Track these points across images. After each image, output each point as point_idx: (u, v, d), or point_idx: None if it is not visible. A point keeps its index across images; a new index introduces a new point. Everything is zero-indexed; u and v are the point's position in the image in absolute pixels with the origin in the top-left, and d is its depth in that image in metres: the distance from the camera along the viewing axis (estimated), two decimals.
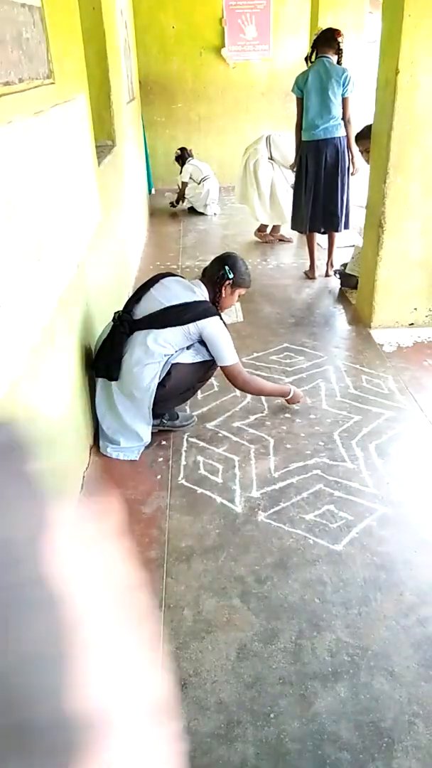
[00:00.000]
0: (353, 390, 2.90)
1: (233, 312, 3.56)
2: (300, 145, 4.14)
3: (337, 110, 3.89)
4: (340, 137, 3.97)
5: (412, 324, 3.56)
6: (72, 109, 2.37)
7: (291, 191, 4.58)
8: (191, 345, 2.42)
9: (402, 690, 1.50)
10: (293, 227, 4.50)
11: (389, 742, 1.39)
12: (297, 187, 4.26)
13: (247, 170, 5.09)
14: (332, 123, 3.92)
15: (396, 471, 2.31)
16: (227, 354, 2.42)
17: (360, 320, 3.67)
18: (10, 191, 1.52)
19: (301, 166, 4.16)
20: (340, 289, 4.18)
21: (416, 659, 1.58)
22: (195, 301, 2.39)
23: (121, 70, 4.40)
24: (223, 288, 2.48)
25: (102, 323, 2.64)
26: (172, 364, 2.37)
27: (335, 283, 4.29)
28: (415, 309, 3.52)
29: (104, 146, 3.71)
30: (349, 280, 4.05)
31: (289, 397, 2.68)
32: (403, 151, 3.08)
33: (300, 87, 3.99)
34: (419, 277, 3.42)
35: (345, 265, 4.17)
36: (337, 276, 4.27)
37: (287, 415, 2.70)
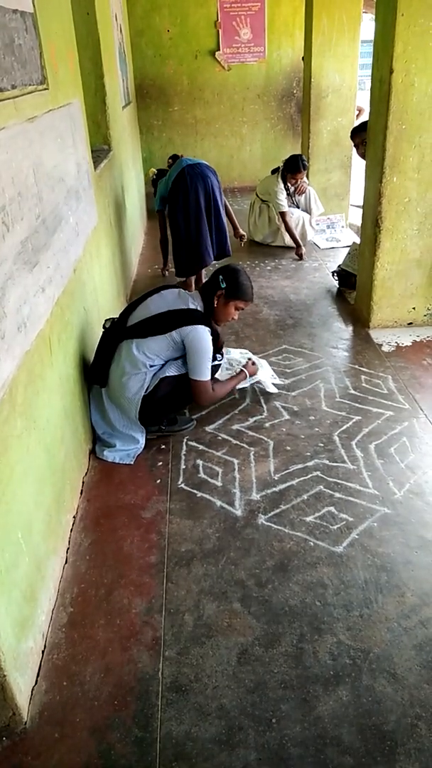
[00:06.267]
0: (352, 390, 2.89)
1: (264, 383, 2.85)
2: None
3: None
4: None
5: (410, 323, 3.55)
6: (67, 114, 2.37)
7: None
8: (181, 356, 2.38)
9: (404, 692, 1.49)
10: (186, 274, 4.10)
11: (392, 745, 1.38)
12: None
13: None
14: None
15: (396, 471, 2.31)
16: (201, 368, 2.34)
17: (359, 320, 3.67)
18: (4, 197, 1.52)
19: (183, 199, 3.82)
20: (339, 289, 4.18)
21: (418, 661, 1.57)
22: (183, 309, 2.35)
23: (116, 74, 4.40)
24: (216, 298, 2.41)
25: (99, 328, 2.64)
26: (161, 378, 2.35)
27: (333, 283, 4.29)
28: (414, 308, 3.51)
29: (100, 151, 3.71)
30: (347, 280, 4.05)
31: (246, 375, 2.71)
32: (398, 150, 3.07)
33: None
34: (417, 276, 3.41)
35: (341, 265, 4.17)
36: (335, 276, 4.26)
37: (286, 416, 2.69)
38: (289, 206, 5.09)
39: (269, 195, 5.03)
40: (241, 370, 2.70)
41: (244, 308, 2.51)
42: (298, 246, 4.96)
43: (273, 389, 2.87)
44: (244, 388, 2.93)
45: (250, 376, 2.74)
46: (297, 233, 5.01)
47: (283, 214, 4.97)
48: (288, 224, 4.99)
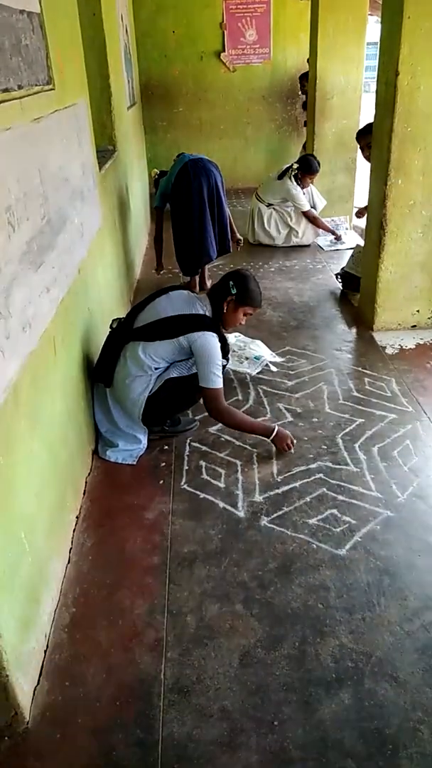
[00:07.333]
0: (356, 393, 2.89)
1: (256, 359, 3.11)
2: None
3: None
4: None
5: (414, 326, 3.55)
6: (72, 114, 2.38)
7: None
8: (187, 358, 2.35)
9: (406, 696, 1.49)
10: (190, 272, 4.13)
11: (393, 749, 1.38)
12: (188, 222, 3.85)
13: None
14: None
15: (399, 474, 2.30)
16: (211, 375, 2.27)
17: (362, 323, 3.66)
18: (10, 197, 1.52)
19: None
20: (342, 291, 4.18)
21: (421, 665, 1.57)
22: (191, 314, 2.32)
23: (122, 75, 4.41)
24: (225, 304, 2.37)
25: (103, 328, 2.64)
26: (166, 380, 2.33)
27: (337, 285, 4.28)
28: (418, 311, 3.51)
29: (105, 151, 3.72)
30: (351, 283, 4.04)
31: (272, 437, 2.41)
32: (403, 153, 3.07)
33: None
34: (421, 278, 3.40)
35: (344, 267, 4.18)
36: (339, 279, 4.26)
37: (290, 418, 2.69)
38: None
39: (284, 200, 5.06)
40: (274, 427, 2.43)
41: (252, 314, 2.48)
42: (335, 233, 5.22)
43: (273, 368, 3.11)
44: (248, 388, 2.93)
45: (278, 443, 2.44)
46: (309, 226, 5.20)
47: (307, 213, 5.09)
48: (317, 219, 5.15)
